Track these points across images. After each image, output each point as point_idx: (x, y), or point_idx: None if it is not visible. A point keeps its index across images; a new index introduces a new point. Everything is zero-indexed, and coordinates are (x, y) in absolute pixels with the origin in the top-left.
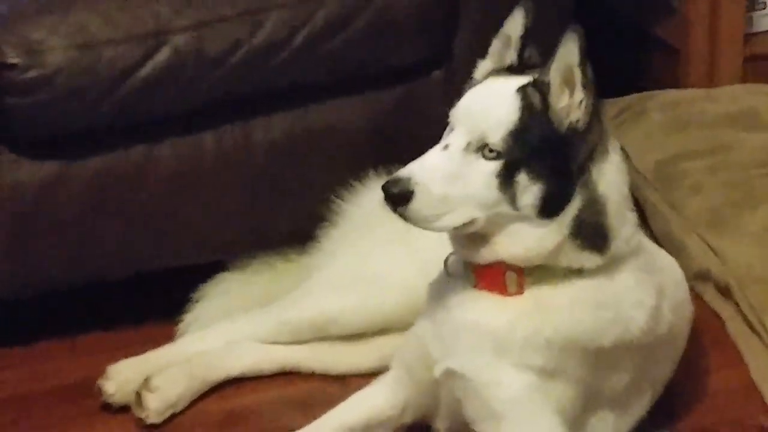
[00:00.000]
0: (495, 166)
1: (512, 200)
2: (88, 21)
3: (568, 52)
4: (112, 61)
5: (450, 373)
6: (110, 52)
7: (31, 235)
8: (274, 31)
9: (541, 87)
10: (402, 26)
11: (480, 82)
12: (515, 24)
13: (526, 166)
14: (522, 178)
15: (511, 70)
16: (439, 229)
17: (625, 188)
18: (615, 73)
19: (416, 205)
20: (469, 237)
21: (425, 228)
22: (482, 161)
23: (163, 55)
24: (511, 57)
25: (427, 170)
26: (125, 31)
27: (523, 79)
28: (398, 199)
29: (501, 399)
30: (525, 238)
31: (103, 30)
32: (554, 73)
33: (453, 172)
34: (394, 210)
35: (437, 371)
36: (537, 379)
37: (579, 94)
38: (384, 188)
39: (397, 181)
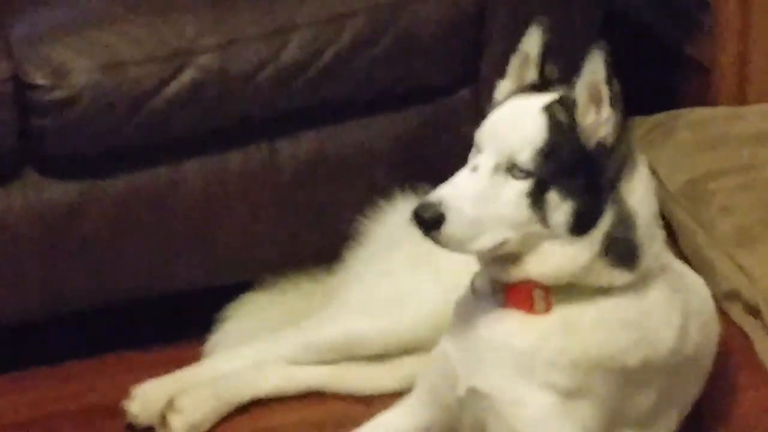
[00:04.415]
0: (525, 185)
1: (543, 219)
2: (112, 41)
3: (594, 68)
4: (137, 81)
5: (474, 392)
6: (135, 72)
7: (59, 256)
8: (300, 51)
9: (567, 104)
10: (429, 45)
11: (501, 102)
12: (532, 41)
13: (556, 184)
14: (552, 196)
15: (534, 88)
16: (472, 252)
17: (654, 204)
18: (645, 91)
19: (448, 229)
20: (499, 256)
21: (458, 251)
22: (512, 181)
23: (188, 75)
24: (532, 75)
25: (457, 193)
26: (150, 51)
27: (547, 97)
28: (430, 223)
29: (524, 419)
30: (556, 257)
31: (127, 50)
32: (581, 90)
33: (483, 193)
34: (426, 235)
35: (461, 390)
36: (561, 399)
37: (606, 111)
38: (415, 213)
39: (427, 206)
